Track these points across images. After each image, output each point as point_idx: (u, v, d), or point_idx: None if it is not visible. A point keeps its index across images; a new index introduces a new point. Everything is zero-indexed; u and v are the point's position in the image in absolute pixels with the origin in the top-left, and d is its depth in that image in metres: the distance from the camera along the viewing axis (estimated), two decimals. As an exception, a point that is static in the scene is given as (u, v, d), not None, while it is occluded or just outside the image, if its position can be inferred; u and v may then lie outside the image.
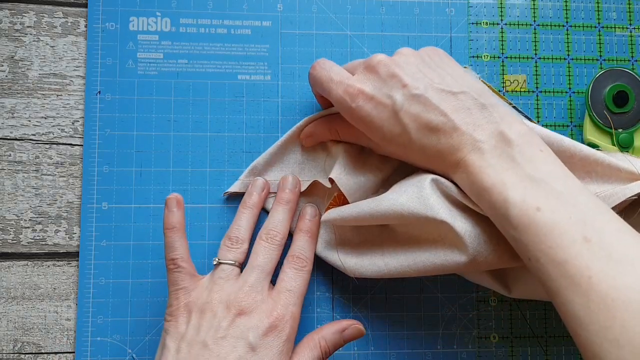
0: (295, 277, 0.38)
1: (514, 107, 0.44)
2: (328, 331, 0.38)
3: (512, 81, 0.46)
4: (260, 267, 0.38)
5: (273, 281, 0.39)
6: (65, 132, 0.43)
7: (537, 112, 0.45)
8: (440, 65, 0.38)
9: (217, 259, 0.38)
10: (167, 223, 0.38)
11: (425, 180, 0.36)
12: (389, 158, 0.41)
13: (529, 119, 0.44)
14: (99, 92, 0.43)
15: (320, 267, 0.43)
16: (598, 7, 0.47)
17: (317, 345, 0.37)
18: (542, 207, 0.30)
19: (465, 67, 0.45)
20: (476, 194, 0.33)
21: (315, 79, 0.39)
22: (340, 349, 0.42)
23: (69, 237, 0.42)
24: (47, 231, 0.42)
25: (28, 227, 0.42)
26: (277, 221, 0.40)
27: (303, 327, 0.42)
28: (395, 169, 0.42)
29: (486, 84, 0.44)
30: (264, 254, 0.38)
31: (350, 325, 0.39)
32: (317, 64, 0.39)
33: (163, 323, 0.38)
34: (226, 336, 0.35)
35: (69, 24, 0.44)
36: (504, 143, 0.33)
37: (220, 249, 0.39)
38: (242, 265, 0.39)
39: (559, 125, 0.45)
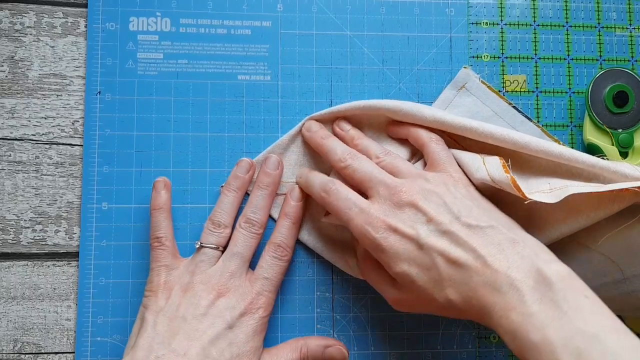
0: (273, 266, 0.40)
1: (513, 107, 0.44)
2: (313, 342, 0.40)
3: (512, 81, 0.46)
4: (239, 255, 0.39)
5: (254, 263, 0.41)
6: (65, 132, 0.43)
7: (537, 112, 0.45)
8: (464, 195, 0.36)
9: (199, 243, 0.40)
10: (154, 204, 0.41)
11: None
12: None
13: (529, 119, 0.44)
14: (99, 92, 0.43)
15: (321, 267, 0.43)
16: (598, 7, 0.47)
17: (298, 348, 0.39)
18: None
19: (465, 67, 0.45)
20: (519, 346, 0.30)
21: (332, 208, 0.38)
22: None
23: (69, 237, 0.42)
24: (47, 231, 0.42)
25: (28, 227, 0.42)
26: (256, 207, 0.41)
27: (303, 327, 0.42)
28: None
29: (486, 84, 0.44)
30: (243, 242, 0.40)
31: (336, 345, 0.40)
32: (330, 191, 0.38)
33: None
34: (206, 314, 0.37)
35: (69, 24, 0.44)
36: (544, 284, 0.30)
37: (203, 232, 0.40)
38: (223, 248, 0.40)
39: (559, 126, 0.45)
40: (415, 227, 0.34)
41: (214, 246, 0.40)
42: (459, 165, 0.39)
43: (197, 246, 0.40)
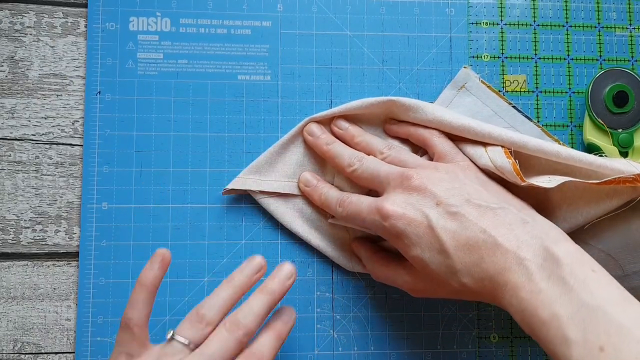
0: None
1: (513, 107, 0.44)
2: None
3: (512, 81, 0.46)
4: (209, 358, 0.32)
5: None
6: (65, 132, 0.43)
7: (537, 112, 0.45)
8: (474, 180, 0.37)
9: (172, 332, 0.33)
10: (142, 278, 0.35)
11: None
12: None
13: (529, 119, 0.44)
14: (99, 92, 0.43)
15: (321, 267, 0.43)
16: (598, 7, 0.47)
17: None
18: (605, 347, 0.27)
19: (465, 67, 0.45)
20: (528, 324, 0.30)
21: (347, 217, 0.39)
22: (340, 348, 0.42)
23: (69, 237, 0.42)
24: (47, 231, 0.42)
25: (28, 227, 0.42)
26: (250, 313, 0.34)
27: (303, 327, 0.42)
28: None
29: (486, 84, 0.44)
30: (220, 345, 0.33)
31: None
32: (345, 203, 0.39)
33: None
34: None
35: (69, 24, 0.44)
36: (552, 262, 0.30)
37: (184, 320, 0.34)
38: (196, 347, 0.33)
39: (558, 125, 0.45)
40: (424, 210, 0.34)
41: (186, 342, 0.33)
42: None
43: (168, 337, 0.33)
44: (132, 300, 0.34)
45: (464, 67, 0.45)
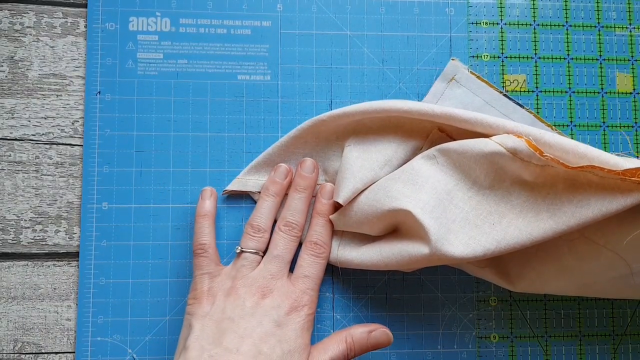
0: (312, 264, 0.40)
1: (504, 95, 0.44)
2: (356, 330, 0.40)
3: (512, 81, 0.46)
4: (280, 257, 0.40)
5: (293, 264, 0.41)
6: (65, 132, 0.43)
7: (537, 112, 0.45)
8: None
9: (239, 248, 0.40)
10: (200, 211, 0.41)
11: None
12: (390, 159, 0.41)
13: (521, 106, 0.44)
14: (99, 92, 0.43)
15: (320, 267, 0.43)
16: (598, 7, 0.47)
17: (343, 340, 0.39)
18: None
19: (453, 59, 0.45)
20: None
21: None
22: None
23: (69, 237, 0.42)
24: (47, 231, 0.42)
25: (28, 227, 0.42)
26: (294, 211, 0.41)
27: (303, 327, 0.42)
28: (396, 166, 0.42)
29: (475, 75, 0.44)
30: (283, 245, 0.40)
31: (379, 328, 0.40)
32: None
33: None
34: (253, 314, 0.37)
35: (69, 24, 0.44)
36: None
37: (243, 236, 0.41)
38: (263, 253, 0.41)
39: (559, 125, 0.45)
40: None
41: (254, 251, 0.40)
42: (465, 151, 0.38)
43: (238, 251, 0.40)
44: (198, 230, 0.41)
45: (452, 60, 0.45)
